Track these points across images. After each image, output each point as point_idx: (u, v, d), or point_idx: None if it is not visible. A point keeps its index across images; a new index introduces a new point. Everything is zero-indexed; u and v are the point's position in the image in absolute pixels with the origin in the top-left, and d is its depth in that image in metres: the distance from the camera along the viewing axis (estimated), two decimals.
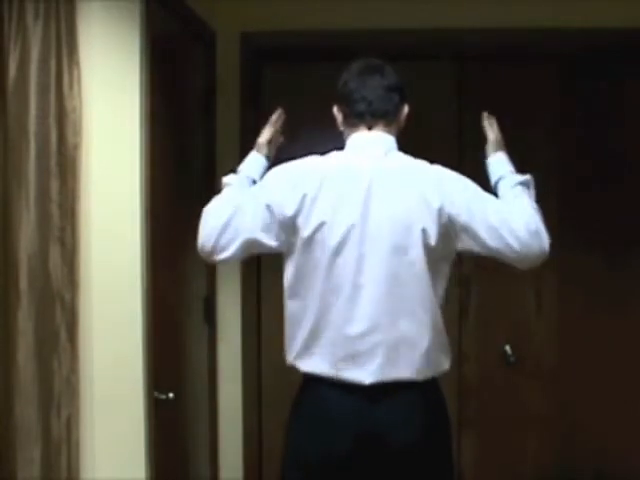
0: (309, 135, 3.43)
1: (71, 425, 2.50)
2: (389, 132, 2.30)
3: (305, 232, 2.18)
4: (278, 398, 3.40)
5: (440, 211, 2.19)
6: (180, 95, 3.14)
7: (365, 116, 2.27)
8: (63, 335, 2.50)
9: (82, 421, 2.53)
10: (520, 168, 3.50)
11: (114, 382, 2.56)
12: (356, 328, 2.17)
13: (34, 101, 2.49)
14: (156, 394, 2.65)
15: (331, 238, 2.17)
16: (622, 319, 3.48)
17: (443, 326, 2.26)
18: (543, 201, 3.49)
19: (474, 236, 2.20)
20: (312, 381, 2.24)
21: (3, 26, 2.49)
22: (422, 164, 2.30)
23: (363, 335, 2.17)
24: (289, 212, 2.19)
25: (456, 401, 3.41)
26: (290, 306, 2.26)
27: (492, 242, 2.19)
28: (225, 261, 2.30)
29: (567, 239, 3.49)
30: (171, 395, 2.72)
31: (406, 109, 2.34)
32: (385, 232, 2.17)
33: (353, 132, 2.31)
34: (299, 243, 2.20)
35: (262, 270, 3.47)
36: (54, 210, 2.49)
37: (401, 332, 2.18)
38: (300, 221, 2.18)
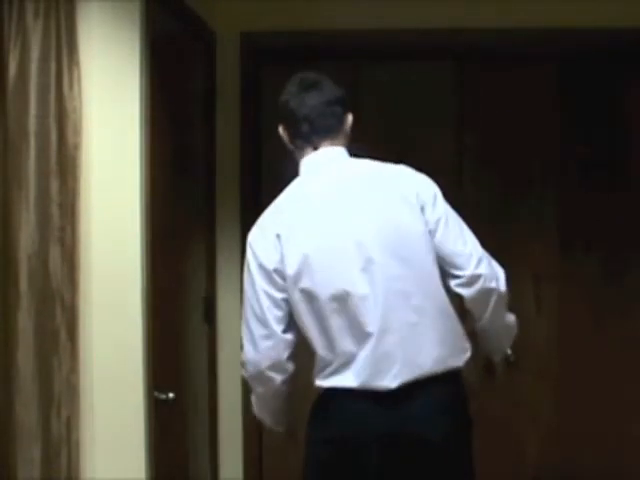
0: None
1: (71, 425, 2.50)
2: (337, 145, 2.30)
3: (290, 269, 2.17)
4: None
5: (418, 197, 2.20)
6: (180, 95, 3.14)
7: (310, 136, 2.27)
8: (63, 335, 2.49)
9: (82, 421, 2.53)
10: (520, 168, 3.52)
11: (114, 382, 2.56)
12: (370, 336, 2.15)
13: (34, 101, 2.49)
14: (156, 394, 2.65)
15: (320, 264, 2.16)
16: (622, 319, 3.48)
17: (454, 312, 2.23)
18: (543, 202, 3.52)
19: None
20: (335, 395, 2.20)
21: (3, 26, 2.49)
22: (382, 164, 2.29)
23: (378, 341, 2.15)
24: (275, 264, 2.20)
25: None
26: (306, 336, 2.24)
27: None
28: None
29: (567, 239, 3.50)
30: (171, 395, 2.72)
31: (350, 118, 2.34)
32: (372, 238, 2.16)
33: (302, 154, 2.31)
34: (289, 283, 2.19)
35: None
36: (54, 210, 2.49)
37: (412, 328, 2.16)
38: (285, 263, 2.18)
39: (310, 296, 2.17)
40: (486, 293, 2.24)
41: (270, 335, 2.22)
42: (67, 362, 2.50)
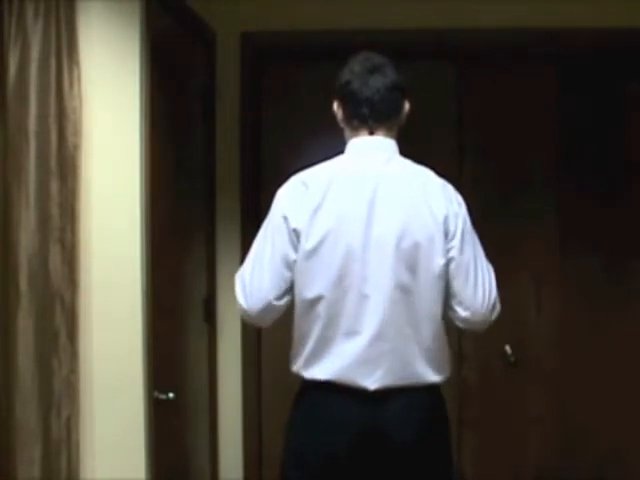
0: (309, 135, 3.44)
1: (71, 425, 2.50)
2: (391, 135, 2.29)
3: (309, 243, 2.17)
4: (278, 398, 3.40)
5: (445, 222, 2.21)
6: (180, 95, 3.14)
7: (368, 120, 2.25)
8: (63, 335, 2.49)
9: (82, 421, 2.53)
10: (519, 168, 3.52)
11: (114, 382, 2.56)
12: (363, 337, 2.17)
13: (34, 101, 2.49)
14: (156, 394, 2.65)
15: (336, 247, 2.16)
16: (622, 319, 3.48)
17: (445, 336, 2.28)
18: (543, 201, 3.52)
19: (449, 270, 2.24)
20: (315, 386, 2.23)
21: (3, 26, 2.49)
22: (426, 172, 2.29)
23: (369, 344, 2.17)
24: (297, 224, 2.18)
25: (456, 401, 3.41)
26: (298, 316, 2.24)
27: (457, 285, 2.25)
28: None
29: (567, 240, 3.50)
30: (171, 395, 2.72)
31: (407, 107, 2.33)
32: (390, 241, 2.17)
33: (354, 135, 2.29)
34: (301, 253, 2.18)
35: None
36: (54, 210, 2.49)
37: (405, 341, 2.19)
38: (304, 232, 2.18)
39: (319, 274, 2.18)
40: (476, 329, 2.34)
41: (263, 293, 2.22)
42: (67, 362, 2.50)
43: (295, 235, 2.19)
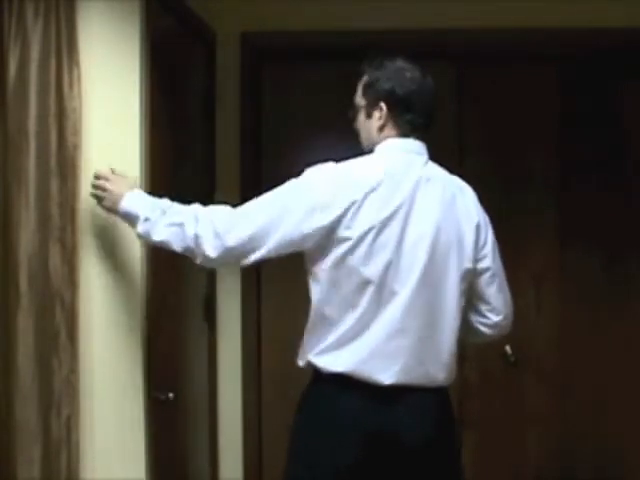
0: (309, 135, 3.44)
1: (71, 425, 2.49)
2: (424, 139, 2.34)
3: (349, 236, 2.16)
4: (278, 397, 3.41)
5: (477, 228, 2.28)
6: (180, 95, 3.14)
7: (422, 128, 2.32)
8: (63, 335, 2.49)
9: (82, 421, 2.53)
10: (519, 168, 3.53)
11: (114, 382, 2.56)
12: (385, 331, 2.19)
13: (34, 101, 2.48)
14: (156, 394, 2.65)
15: (374, 244, 2.17)
16: (622, 319, 3.48)
17: (456, 343, 2.30)
18: (543, 202, 3.52)
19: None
20: (326, 380, 2.22)
21: (3, 25, 2.48)
22: (458, 178, 2.36)
23: (390, 337, 2.18)
24: (331, 216, 2.17)
25: (456, 401, 3.40)
26: (323, 304, 2.24)
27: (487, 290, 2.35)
28: (256, 261, 2.27)
29: (567, 239, 3.51)
30: (171, 395, 2.72)
31: None
32: (425, 242, 2.20)
33: (393, 135, 2.31)
34: (336, 246, 2.17)
35: (262, 270, 3.47)
36: (54, 210, 2.49)
37: (423, 341, 2.21)
38: (341, 226, 2.17)
39: (352, 267, 2.18)
40: (496, 335, 2.43)
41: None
42: (67, 362, 2.49)
43: (330, 226, 2.17)
